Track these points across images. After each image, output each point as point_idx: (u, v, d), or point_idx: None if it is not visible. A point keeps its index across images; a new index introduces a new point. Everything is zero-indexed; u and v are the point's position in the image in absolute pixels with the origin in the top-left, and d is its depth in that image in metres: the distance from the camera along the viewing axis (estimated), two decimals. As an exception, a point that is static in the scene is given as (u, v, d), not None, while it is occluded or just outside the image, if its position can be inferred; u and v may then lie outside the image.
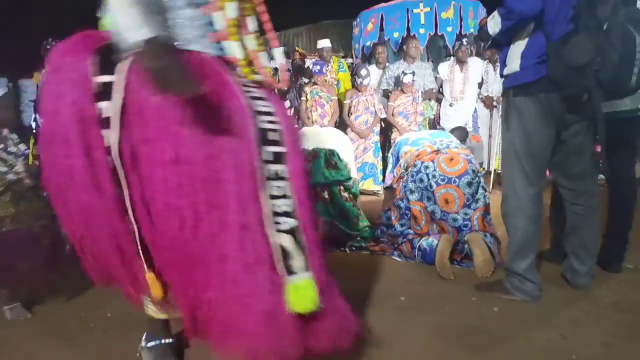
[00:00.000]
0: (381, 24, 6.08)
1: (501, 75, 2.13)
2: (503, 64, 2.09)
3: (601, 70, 1.75)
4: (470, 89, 5.45)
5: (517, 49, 1.99)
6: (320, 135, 3.54)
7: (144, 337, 1.60)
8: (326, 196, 2.95)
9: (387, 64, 5.89)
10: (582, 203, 2.15)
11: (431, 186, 2.71)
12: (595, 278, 2.23)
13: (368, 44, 6.26)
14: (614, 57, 1.73)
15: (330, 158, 3.02)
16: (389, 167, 3.38)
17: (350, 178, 3.07)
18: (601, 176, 2.91)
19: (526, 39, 1.96)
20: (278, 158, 1.23)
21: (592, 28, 1.74)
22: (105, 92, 1.14)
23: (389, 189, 3.28)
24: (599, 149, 2.91)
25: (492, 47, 5.55)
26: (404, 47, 5.68)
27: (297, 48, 6.49)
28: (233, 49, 1.28)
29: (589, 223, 2.16)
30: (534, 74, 1.92)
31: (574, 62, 1.76)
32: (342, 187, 3.00)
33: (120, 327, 1.88)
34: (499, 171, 5.34)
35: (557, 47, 1.81)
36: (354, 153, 4.62)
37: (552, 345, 1.67)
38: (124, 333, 1.82)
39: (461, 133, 4.29)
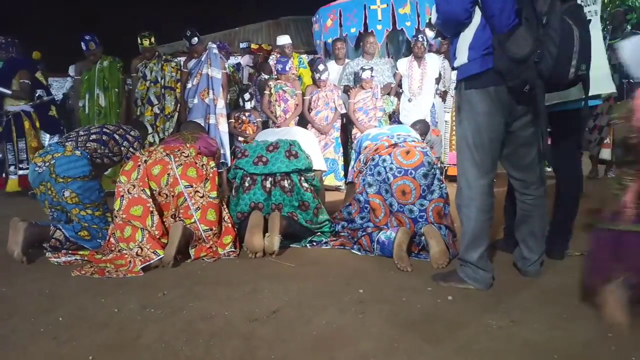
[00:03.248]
0: (340, 20, 6.11)
1: (452, 68, 2.19)
2: (453, 56, 2.14)
3: (541, 62, 1.82)
4: (428, 84, 5.56)
5: (465, 40, 2.04)
6: (285, 133, 3.54)
7: None
8: (287, 185, 2.95)
9: (346, 60, 5.93)
10: (531, 193, 2.23)
11: (388, 179, 2.75)
12: (544, 265, 2.33)
13: (329, 40, 6.28)
14: (553, 50, 1.79)
15: (290, 148, 3.04)
16: (351, 162, 3.42)
17: (310, 169, 3.08)
18: (547, 169, 3.05)
19: (473, 31, 2.00)
20: None
21: (532, 21, 1.81)
22: None
23: (351, 185, 3.32)
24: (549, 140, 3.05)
25: (439, 36, 5.71)
26: (361, 43, 5.74)
27: (263, 45, 6.45)
28: None
29: (538, 212, 2.25)
30: (481, 65, 1.98)
31: (516, 54, 1.82)
32: (302, 178, 3.00)
33: (71, 331, 1.81)
34: (445, 165, 5.50)
35: (501, 39, 1.87)
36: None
37: (503, 331, 1.73)
38: (75, 338, 1.76)
39: (423, 126, 4.38)
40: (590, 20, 2.07)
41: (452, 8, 1.99)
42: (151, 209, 2.70)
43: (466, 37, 2.03)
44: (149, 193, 2.72)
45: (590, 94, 2.32)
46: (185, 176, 2.78)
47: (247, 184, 3.00)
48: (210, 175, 2.87)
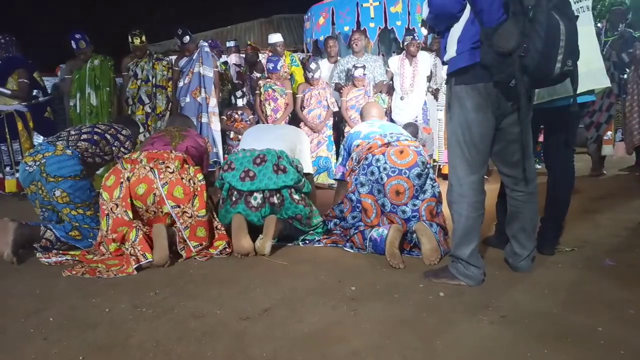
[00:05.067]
0: (332, 18, 6.11)
1: (443, 62, 2.19)
2: (444, 50, 2.15)
3: (526, 56, 1.82)
4: (419, 82, 5.57)
5: (454, 34, 2.04)
6: (275, 131, 3.52)
7: None
8: (276, 201, 2.89)
9: (338, 58, 5.93)
10: (521, 189, 2.24)
11: (382, 179, 2.74)
12: (535, 260, 2.35)
13: (321, 38, 6.28)
14: (538, 44, 1.79)
15: (278, 162, 2.94)
16: (339, 159, 3.41)
17: (300, 180, 3.00)
18: (537, 165, 3.04)
19: (462, 25, 2.01)
20: None
21: (519, 16, 1.81)
22: None
23: (341, 182, 3.31)
24: (541, 137, 3.07)
25: (431, 32, 5.72)
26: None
27: (249, 42, 6.43)
28: None
29: (529, 208, 2.26)
30: (469, 58, 1.98)
31: (501, 48, 1.83)
32: (292, 190, 2.96)
33: (61, 332, 1.80)
34: (438, 163, 5.52)
35: (488, 33, 1.87)
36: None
37: (494, 327, 1.74)
38: (65, 338, 1.75)
39: (413, 129, 4.41)
40: (579, 16, 2.07)
41: (446, 3, 2.00)
42: (136, 228, 2.64)
43: (456, 31, 2.04)
44: (131, 215, 2.63)
45: (584, 89, 2.35)
46: (172, 197, 2.67)
47: (234, 198, 2.92)
48: (199, 189, 2.73)
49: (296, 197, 2.95)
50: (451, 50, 2.06)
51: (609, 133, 5.38)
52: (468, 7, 1.98)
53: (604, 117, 5.22)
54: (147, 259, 2.53)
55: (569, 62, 1.86)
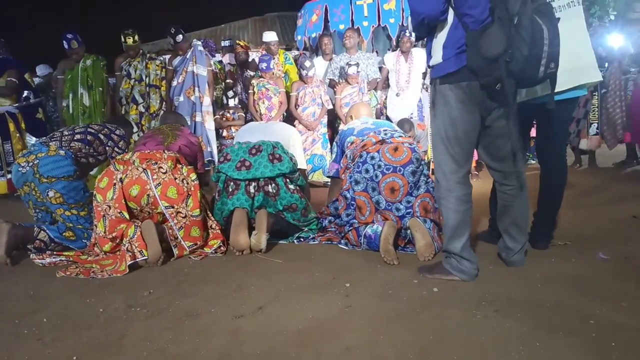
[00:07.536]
0: (326, 16, 6.11)
1: (428, 66, 2.21)
2: (429, 55, 2.17)
3: (512, 61, 1.84)
4: (415, 78, 5.58)
5: (439, 40, 2.06)
6: (267, 128, 3.52)
7: None
8: (271, 190, 2.91)
9: (333, 56, 5.93)
10: (510, 183, 2.26)
11: (377, 176, 2.75)
12: (528, 255, 2.36)
13: (314, 35, 6.28)
14: (524, 49, 1.82)
15: (274, 151, 2.98)
16: (332, 156, 3.41)
17: (295, 171, 3.04)
18: (531, 161, 3.01)
19: (447, 30, 2.02)
20: None
21: (505, 21, 1.83)
22: None
23: (335, 179, 3.31)
24: (533, 133, 3.09)
25: (419, 41, 5.74)
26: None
27: (238, 41, 6.41)
28: None
29: (519, 202, 2.27)
30: (455, 64, 2.00)
31: (488, 52, 1.84)
32: (288, 180, 2.98)
33: (55, 332, 1.80)
34: (431, 159, 5.53)
35: (475, 37, 1.89)
36: (303, 145, 4.62)
37: (487, 321, 1.75)
38: (60, 339, 1.75)
39: (409, 126, 4.41)
40: (559, 18, 2.07)
41: (426, 6, 2.01)
42: (134, 224, 2.64)
43: (440, 36, 2.06)
44: (126, 215, 2.62)
45: (575, 84, 2.38)
46: (165, 197, 2.65)
47: (230, 189, 2.93)
48: (192, 189, 2.72)
49: (291, 186, 2.97)
50: (437, 56, 2.08)
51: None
52: (451, 13, 1.99)
53: (581, 112, 5.37)
54: (143, 256, 2.53)
55: (552, 65, 1.90)
